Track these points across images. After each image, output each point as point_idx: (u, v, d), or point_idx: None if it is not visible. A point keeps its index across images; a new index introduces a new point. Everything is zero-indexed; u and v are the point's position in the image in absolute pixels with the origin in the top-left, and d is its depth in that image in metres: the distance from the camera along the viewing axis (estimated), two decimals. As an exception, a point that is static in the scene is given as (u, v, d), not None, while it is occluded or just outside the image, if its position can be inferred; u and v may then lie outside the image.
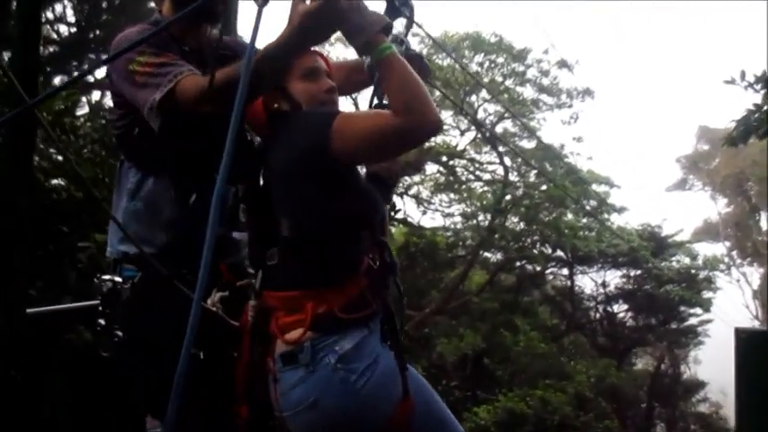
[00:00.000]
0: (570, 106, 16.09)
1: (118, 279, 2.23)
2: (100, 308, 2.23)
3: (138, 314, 2.21)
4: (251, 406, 2.04)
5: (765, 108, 7.00)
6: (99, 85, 8.20)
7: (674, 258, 19.14)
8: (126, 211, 2.32)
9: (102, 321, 2.24)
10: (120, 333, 2.24)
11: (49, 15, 8.58)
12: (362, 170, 2.20)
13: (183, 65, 2.15)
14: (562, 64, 15.45)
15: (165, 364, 2.19)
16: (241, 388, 2.05)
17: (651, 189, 49.41)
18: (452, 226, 18.06)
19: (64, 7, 8.91)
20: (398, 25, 2.23)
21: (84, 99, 8.02)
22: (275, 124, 2.07)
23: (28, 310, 2.38)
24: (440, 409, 2.09)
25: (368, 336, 1.92)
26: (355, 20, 1.85)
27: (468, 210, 17.49)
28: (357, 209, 2.00)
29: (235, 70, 1.99)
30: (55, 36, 9.06)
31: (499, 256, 17.79)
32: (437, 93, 14.32)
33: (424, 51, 13.68)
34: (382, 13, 2.20)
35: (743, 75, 6.99)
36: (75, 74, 8.90)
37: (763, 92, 7.05)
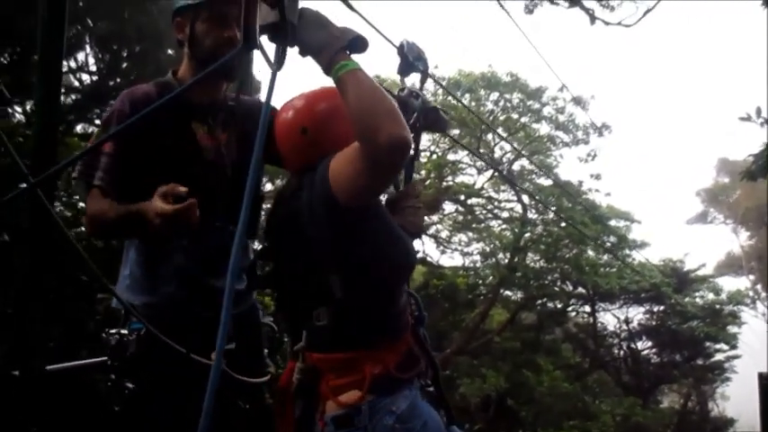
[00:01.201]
0: (587, 143, 16.06)
1: (124, 332, 2.21)
2: (108, 362, 2.22)
3: (144, 366, 2.19)
4: None
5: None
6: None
7: (697, 294, 18.91)
8: (132, 260, 2.33)
9: (112, 375, 2.23)
10: (130, 385, 2.23)
11: (72, 64, 8.75)
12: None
13: (105, 169, 2.21)
14: (577, 102, 15.45)
15: (172, 416, 2.20)
16: None
17: (672, 223, 49.07)
18: (471, 265, 17.98)
19: (86, 56, 9.11)
20: (414, 79, 2.25)
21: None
22: (305, 174, 1.95)
23: (48, 367, 2.37)
24: None
25: (417, 393, 1.89)
26: (314, 38, 1.68)
27: (488, 248, 17.39)
28: (401, 259, 1.95)
29: (111, 213, 2.14)
30: (77, 84, 9.24)
31: (520, 294, 17.65)
32: (454, 132, 14.43)
33: (440, 92, 13.78)
34: (397, 68, 2.20)
35: (758, 111, 7.00)
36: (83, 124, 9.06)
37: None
